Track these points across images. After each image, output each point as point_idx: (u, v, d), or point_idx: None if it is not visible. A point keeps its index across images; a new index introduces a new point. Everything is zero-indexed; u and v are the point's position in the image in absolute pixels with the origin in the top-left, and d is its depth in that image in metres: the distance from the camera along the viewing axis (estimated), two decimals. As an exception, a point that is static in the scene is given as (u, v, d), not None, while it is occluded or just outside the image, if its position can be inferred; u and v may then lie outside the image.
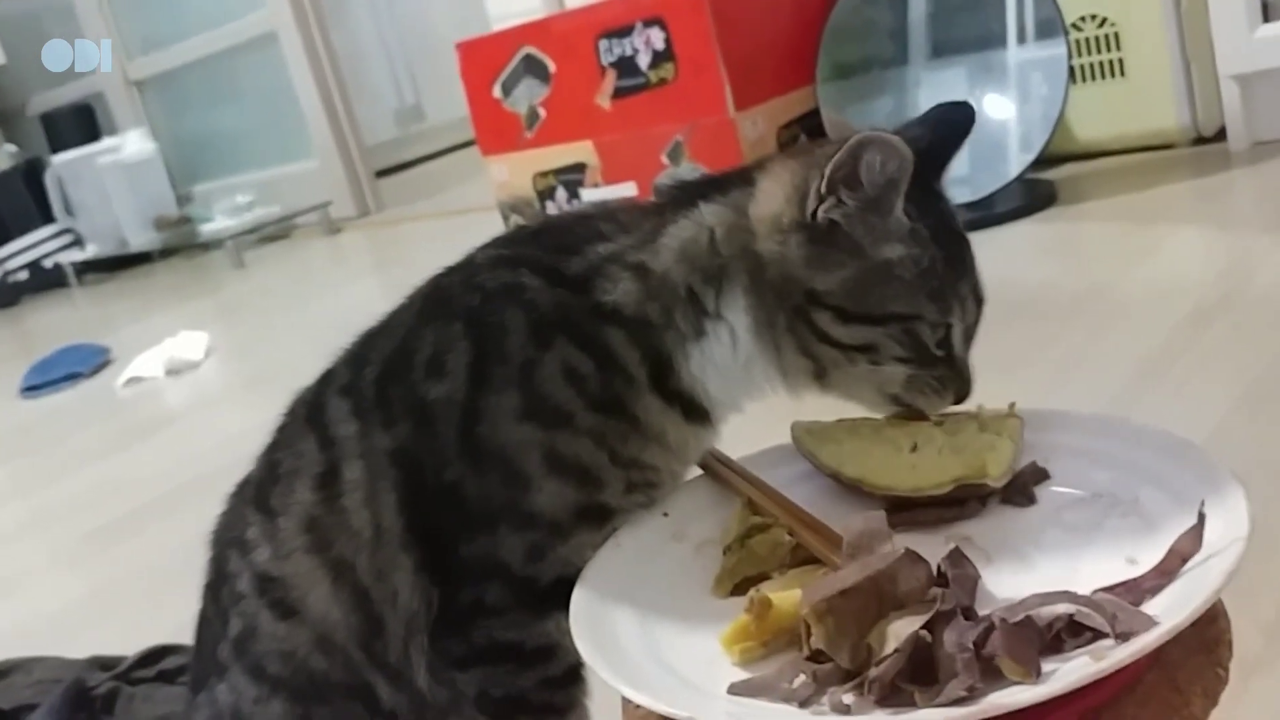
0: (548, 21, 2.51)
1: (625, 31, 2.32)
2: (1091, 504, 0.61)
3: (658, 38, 2.28)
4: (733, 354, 0.67)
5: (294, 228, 4.18)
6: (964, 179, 2.02)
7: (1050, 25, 2.04)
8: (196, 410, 2.40)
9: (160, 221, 4.33)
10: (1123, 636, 0.48)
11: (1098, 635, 0.49)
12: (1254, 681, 0.77)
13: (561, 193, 2.52)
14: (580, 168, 2.47)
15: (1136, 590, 0.52)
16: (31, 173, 4.56)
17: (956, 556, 0.55)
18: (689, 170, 2.27)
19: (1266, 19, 1.95)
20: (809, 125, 2.30)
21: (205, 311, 3.41)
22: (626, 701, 0.55)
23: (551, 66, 2.47)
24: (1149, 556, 0.54)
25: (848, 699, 0.49)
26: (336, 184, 4.13)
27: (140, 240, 4.37)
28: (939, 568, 0.54)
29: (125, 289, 4.23)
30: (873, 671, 0.49)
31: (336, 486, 0.69)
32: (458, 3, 4.06)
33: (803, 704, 0.50)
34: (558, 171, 2.51)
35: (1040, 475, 0.64)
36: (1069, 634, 0.50)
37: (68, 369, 2.82)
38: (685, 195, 0.69)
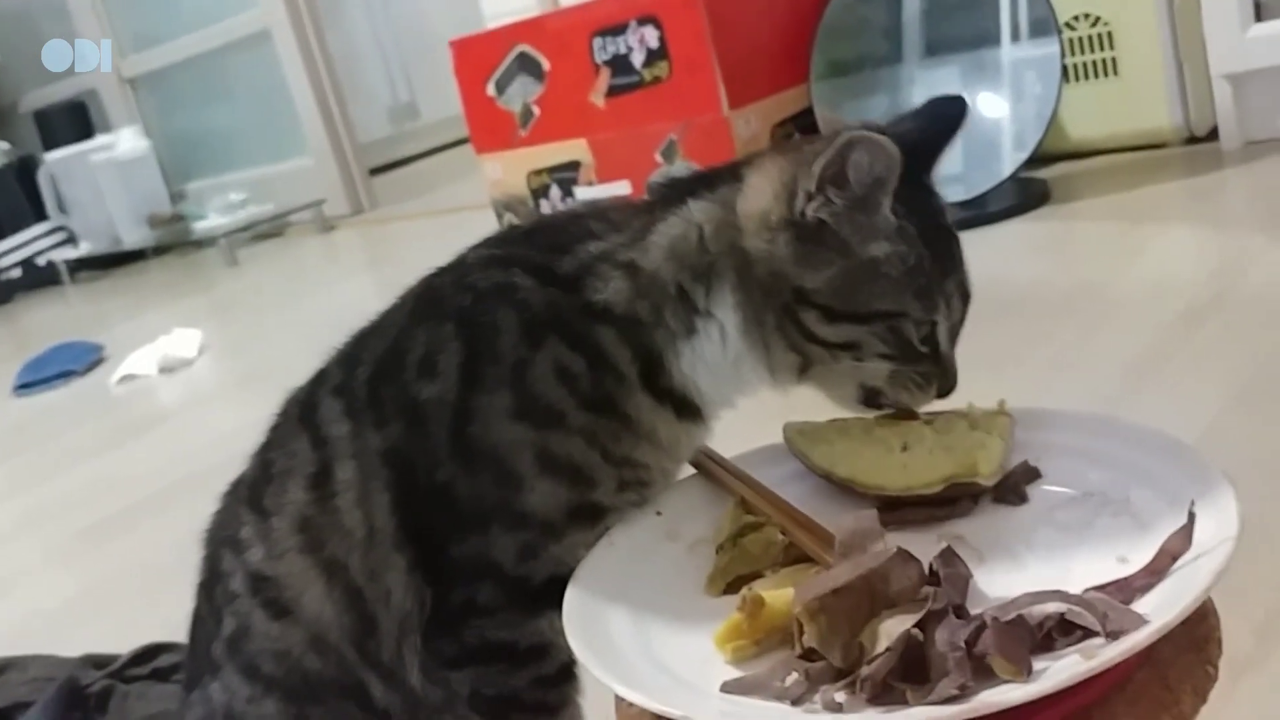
0: (542, 19, 2.51)
1: (619, 30, 2.32)
2: (1083, 503, 0.61)
3: (652, 36, 2.28)
4: (723, 351, 0.67)
5: (287, 225, 4.17)
6: (958, 177, 2.03)
7: (1044, 24, 2.05)
8: (190, 408, 2.40)
9: (154, 219, 4.33)
10: (1113, 635, 0.48)
11: (1089, 634, 0.49)
12: (1244, 680, 0.77)
13: (556, 191, 2.52)
14: (574, 166, 2.47)
15: (1127, 589, 0.52)
16: (24, 170, 4.55)
17: (948, 555, 0.55)
18: (682, 169, 2.27)
19: (1259, 19, 1.96)
20: (803, 124, 2.30)
21: (199, 309, 3.41)
22: (620, 700, 0.55)
23: (546, 64, 2.47)
24: (1140, 555, 0.54)
25: (840, 697, 0.49)
26: (330, 182, 4.13)
27: (134, 238, 4.36)
28: (931, 566, 0.54)
29: (119, 287, 4.22)
30: (865, 670, 0.49)
31: (329, 486, 0.69)
32: (452, 0, 4.06)
33: (795, 702, 0.50)
34: (552, 170, 2.51)
35: (1032, 474, 0.64)
36: (1060, 632, 0.50)
37: (61, 367, 2.82)
38: (675, 193, 0.69)
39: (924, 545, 0.56)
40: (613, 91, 2.36)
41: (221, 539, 0.74)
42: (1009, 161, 2.04)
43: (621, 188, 2.39)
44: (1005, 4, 2.10)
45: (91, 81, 4.78)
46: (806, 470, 0.68)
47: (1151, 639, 0.47)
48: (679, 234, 0.67)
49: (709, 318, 0.66)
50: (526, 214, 2.55)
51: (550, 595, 0.61)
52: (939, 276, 0.65)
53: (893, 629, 0.50)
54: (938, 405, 0.68)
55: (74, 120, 4.79)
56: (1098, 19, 2.08)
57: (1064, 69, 2.04)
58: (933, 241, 0.65)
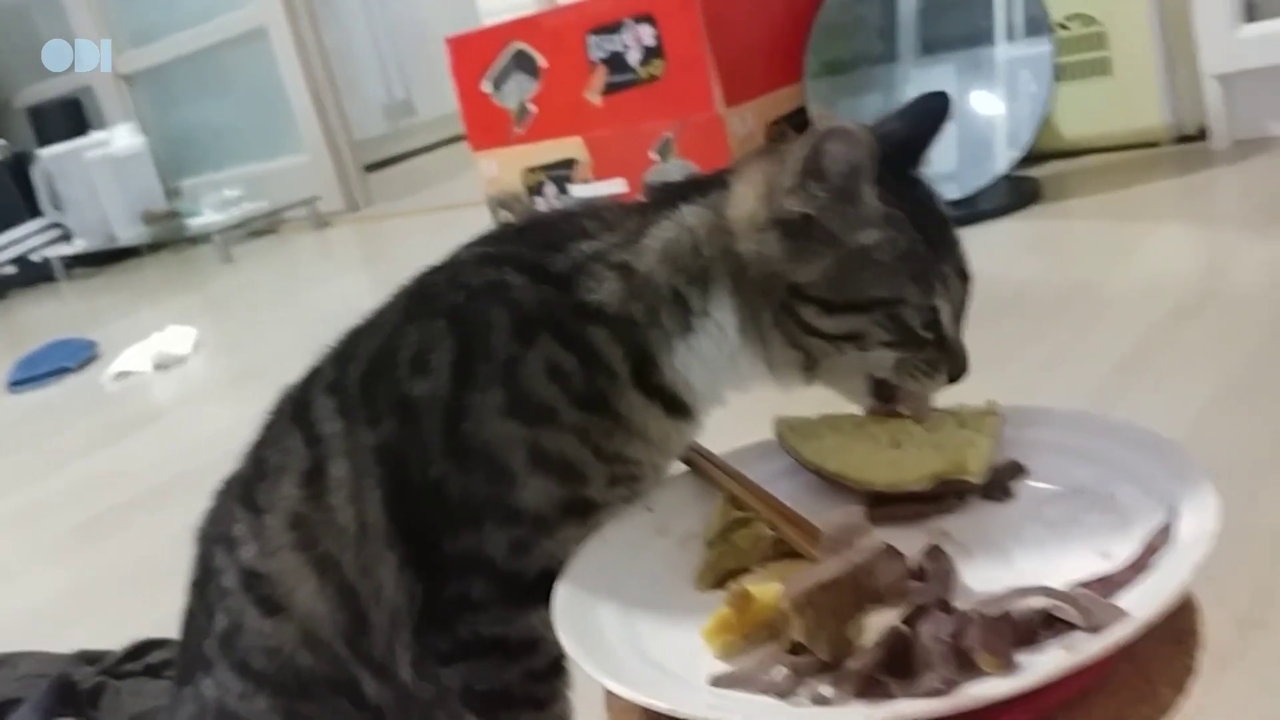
0: (538, 17, 2.52)
1: (615, 28, 2.32)
2: (1069, 499, 0.62)
3: (647, 34, 2.28)
4: (721, 350, 0.67)
5: (282, 222, 4.17)
6: (951, 175, 2.03)
7: (1038, 23, 2.05)
8: (184, 405, 2.40)
9: (148, 216, 4.32)
10: (1096, 629, 0.49)
11: (1072, 628, 0.50)
12: (1228, 673, 0.78)
13: (551, 188, 2.52)
14: (570, 164, 2.47)
15: (1110, 584, 0.52)
16: (18, 166, 4.55)
17: (934, 551, 0.55)
18: (678, 167, 2.28)
19: (1249, 19, 1.97)
20: (798, 122, 2.31)
21: (193, 306, 3.41)
22: (609, 694, 0.56)
23: (541, 62, 2.47)
24: (1124, 550, 0.55)
25: (826, 690, 0.50)
26: (325, 179, 4.13)
27: (128, 234, 4.36)
28: (917, 562, 0.55)
29: (113, 283, 4.22)
30: (851, 663, 0.50)
31: (322, 483, 0.69)
32: (448, -3, 4.06)
33: (782, 695, 0.51)
34: (547, 167, 2.52)
35: (1019, 471, 0.65)
36: (1044, 627, 0.51)
37: (55, 364, 2.82)
38: (667, 196, 0.70)
39: (911, 541, 0.56)
40: (608, 89, 2.37)
41: (214, 536, 0.74)
42: (1003, 160, 2.05)
43: (617, 185, 2.39)
44: (1000, 3, 2.11)
45: (86, 78, 4.78)
46: (796, 466, 0.69)
47: (1132, 633, 0.47)
48: (672, 238, 0.67)
49: (706, 318, 0.67)
50: (522, 211, 2.56)
51: (542, 590, 0.62)
52: (934, 260, 0.65)
53: (879, 623, 0.50)
54: (948, 393, 0.67)
55: (69, 116, 4.78)
56: (1091, 19, 2.09)
57: (1057, 68, 2.04)
58: (924, 225, 0.65)
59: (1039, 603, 0.51)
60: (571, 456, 0.66)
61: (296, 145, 4.23)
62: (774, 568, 0.61)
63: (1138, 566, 0.53)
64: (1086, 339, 1.47)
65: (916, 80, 2.23)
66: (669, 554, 0.65)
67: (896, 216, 0.64)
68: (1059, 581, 0.53)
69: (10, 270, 4.46)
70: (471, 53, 2.60)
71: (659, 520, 0.67)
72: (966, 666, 0.49)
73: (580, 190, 2.47)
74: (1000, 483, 0.64)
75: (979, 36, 2.15)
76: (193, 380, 2.55)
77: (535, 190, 2.56)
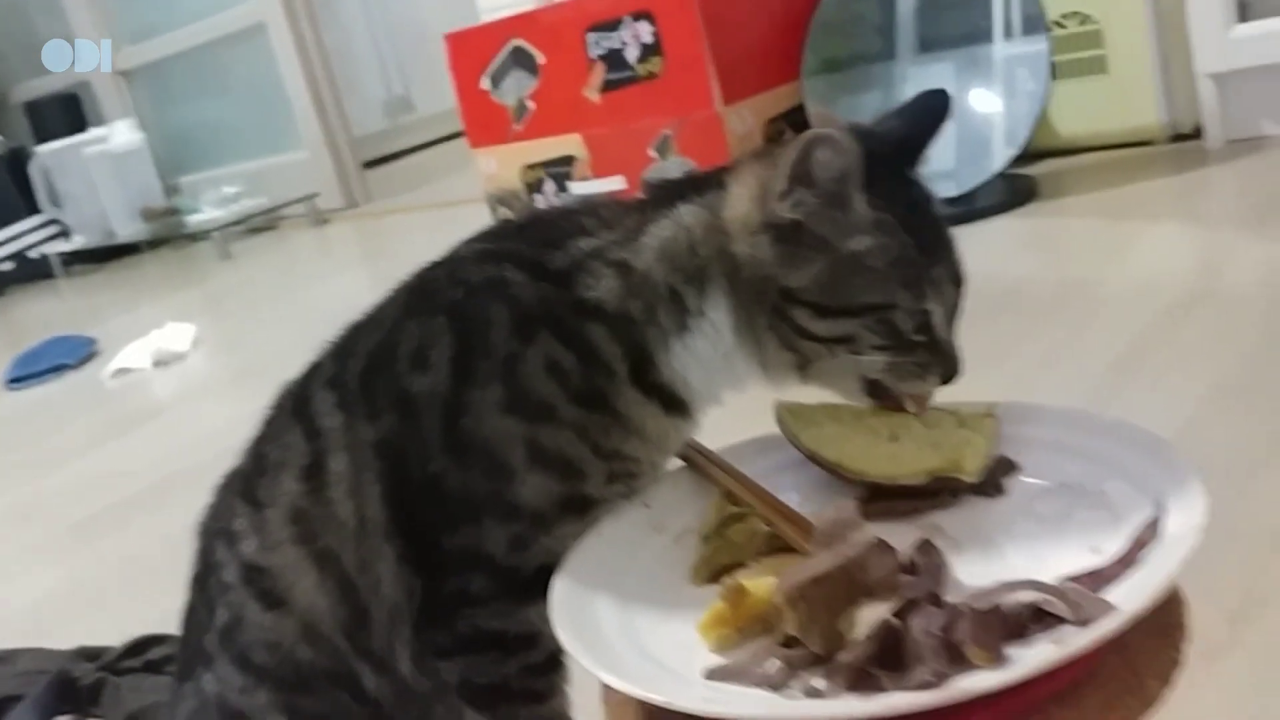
0: (536, 14, 2.52)
1: (614, 25, 2.32)
2: (1060, 495, 0.63)
3: (646, 31, 2.29)
4: (716, 349, 0.68)
5: (281, 219, 4.17)
6: (949, 173, 2.04)
7: (1035, 21, 2.06)
8: (183, 402, 2.40)
9: (147, 212, 4.32)
10: (1084, 623, 0.49)
11: (1061, 622, 0.51)
12: (1217, 667, 0.79)
13: (550, 186, 2.53)
14: (569, 160, 2.48)
15: (1099, 578, 0.53)
16: (16, 162, 4.54)
17: (926, 545, 0.56)
18: (677, 165, 2.28)
19: (1242, 19, 1.98)
20: (796, 120, 2.31)
21: (192, 303, 3.41)
22: (606, 687, 0.57)
23: (540, 59, 2.48)
24: (1113, 546, 0.55)
25: (819, 683, 0.51)
26: (324, 175, 4.13)
27: (127, 231, 4.35)
28: (909, 556, 0.56)
29: (112, 280, 4.22)
30: (843, 656, 0.50)
31: (322, 478, 0.70)
32: (446, -6, 4.06)
33: (776, 688, 0.52)
34: (546, 164, 2.52)
35: (1011, 467, 0.66)
36: (1033, 621, 0.51)
37: (54, 360, 2.82)
38: (665, 195, 0.70)
39: (904, 535, 0.57)
40: (607, 86, 2.37)
41: (215, 531, 0.75)
42: (1000, 157, 2.05)
43: (616, 183, 2.40)
44: (998, 1, 2.12)
45: (84, 74, 4.77)
46: (790, 462, 0.69)
47: (1120, 627, 0.48)
48: (670, 236, 0.68)
49: (702, 317, 0.67)
50: (521, 208, 2.56)
51: (541, 585, 0.62)
52: (926, 265, 0.65)
53: (870, 617, 0.51)
54: (944, 392, 0.68)
55: (66, 112, 4.78)
56: (1086, 17, 2.10)
57: (1053, 66, 2.05)
58: (917, 230, 0.65)
59: (1028, 597, 0.52)
60: (570, 453, 0.67)
61: (295, 142, 4.23)
62: (768, 562, 0.62)
63: (1126, 561, 0.53)
64: (1082, 336, 1.47)
65: (914, 78, 2.23)
66: (665, 549, 0.66)
67: (887, 222, 0.64)
68: (1049, 576, 0.53)
69: (8, 267, 4.46)
70: (470, 49, 2.61)
71: (655, 516, 0.68)
72: (957, 660, 0.49)
73: (580, 188, 2.48)
74: (993, 479, 0.65)
75: (977, 34, 2.15)
76: (192, 377, 2.55)
77: (535, 187, 2.56)
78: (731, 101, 2.24)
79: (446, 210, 3.40)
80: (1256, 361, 1.27)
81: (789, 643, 0.53)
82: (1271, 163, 1.93)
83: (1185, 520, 0.53)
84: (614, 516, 0.67)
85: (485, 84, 2.58)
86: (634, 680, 0.53)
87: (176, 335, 2.67)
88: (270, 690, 0.71)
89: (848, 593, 0.52)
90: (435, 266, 0.74)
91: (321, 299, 2.83)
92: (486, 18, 2.69)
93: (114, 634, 1.22)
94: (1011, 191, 2.06)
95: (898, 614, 0.51)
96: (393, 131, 4.90)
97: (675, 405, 0.69)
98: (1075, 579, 0.53)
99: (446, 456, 0.67)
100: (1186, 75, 2.05)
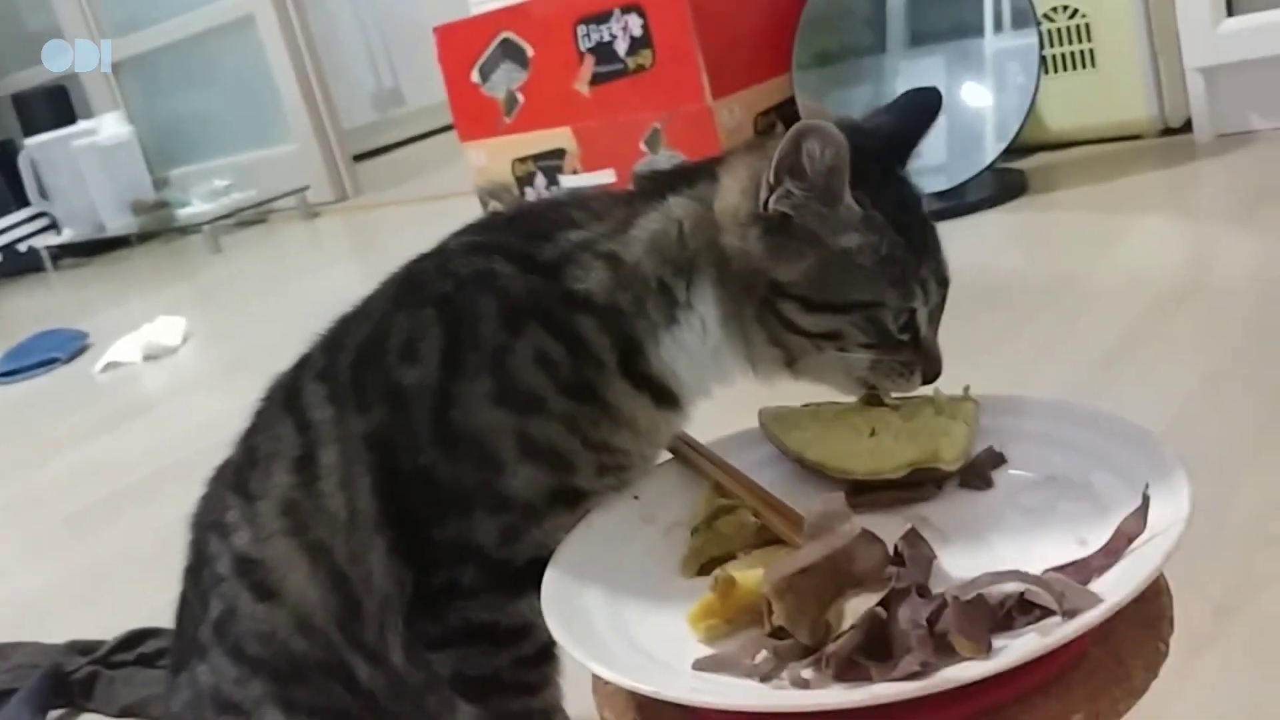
0: (526, 6, 2.51)
1: (603, 17, 2.32)
2: (1046, 487, 0.63)
3: (635, 24, 2.28)
4: (703, 342, 0.68)
5: (271, 212, 4.16)
6: (940, 167, 2.04)
7: (1025, 15, 2.06)
8: (174, 395, 2.40)
9: (137, 206, 4.30)
10: (1069, 614, 0.50)
11: (1047, 612, 0.51)
12: (1202, 658, 0.80)
13: (540, 179, 2.53)
14: (559, 154, 2.48)
15: (1085, 569, 0.54)
16: (4, 155, 4.52)
17: (913, 537, 0.57)
18: (666, 158, 2.28)
19: (1230, 13, 1.99)
20: (786, 113, 2.31)
21: (183, 296, 3.40)
22: (596, 678, 0.57)
23: (530, 51, 2.47)
24: (1099, 537, 0.56)
25: (806, 674, 0.51)
26: (314, 168, 4.12)
27: (117, 224, 4.34)
28: (896, 547, 0.56)
29: (102, 273, 4.21)
30: (831, 647, 0.51)
31: (313, 470, 0.70)
32: (436, -14, 4.04)
33: (764, 679, 0.52)
34: (536, 157, 2.52)
35: (998, 460, 0.66)
36: (1019, 611, 0.52)
37: (44, 354, 2.81)
38: (654, 186, 0.70)
39: (891, 527, 0.58)
40: (597, 79, 2.37)
41: (208, 523, 0.75)
42: (991, 151, 2.06)
43: (606, 176, 2.39)
44: (988, -6, 2.12)
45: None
46: (779, 455, 0.70)
47: (1104, 617, 0.48)
48: (659, 229, 0.68)
49: (690, 310, 0.68)
50: (511, 202, 2.56)
51: (531, 577, 0.63)
52: (914, 264, 0.66)
53: (858, 607, 0.51)
54: (923, 390, 0.69)
55: (54, 105, 4.75)
56: (1075, 11, 2.10)
57: (1043, 60, 2.05)
58: (905, 228, 0.66)
59: (1014, 587, 0.52)
60: (560, 445, 0.67)
61: (285, 135, 4.22)
62: (758, 554, 0.62)
63: (1111, 552, 0.54)
64: (1072, 330, 1.48)
65: (905, 72, 2.24)
66: (655, 541, 0.66)
67: (876, 219, 0.65)
68: (1035, 567, 0.54)
69: (-3, 260, 4.44)
70: (459, 42, 2.60)
71: (645, 508, 0.68)
72: (943, 650, 0.50)
73: (570, 181, 2.48)
74: (980, 471, 0.66)
75: (967, 28, 2.16)
76: (182, 371, 2.55)
77: (525, 181, 2.56)
78: (721, 95, 2.24)
79: (436, 203, 3.39)
80: (1245, 355, 1.28)
81: (777, 633, 0.54)
82: (1260, 157, 1.94)
83: (1170, 512, 0.54)
84: (604, 509, 0.68)
85: (475, 77, 2.58)
86: (624, 671, 0.53)
87: (167, 329, 2.66)
88: (264, 681, 0.72)
89: (835, 584, 0.53)
90: (424, 259, 0.74)
91: (312, 292, 2.82)
92: (476, 10, 2.69)
93: (107, 627, 1.22)
94: (1002, 185, 2.07)
95: (885, 604, 0.51)
96: (382, 124, 4.88)
97: (665, 398, 0.69)
98: (1061, 570, 0.53)
99: (437, 448, 0.67)
100: (1175, 69, 2.06)
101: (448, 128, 3.09)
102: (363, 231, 3.69)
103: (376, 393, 0.69)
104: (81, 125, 4.42)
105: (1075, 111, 2.17)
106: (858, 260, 0.65)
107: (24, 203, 4.48)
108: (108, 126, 4.33)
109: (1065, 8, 2.11)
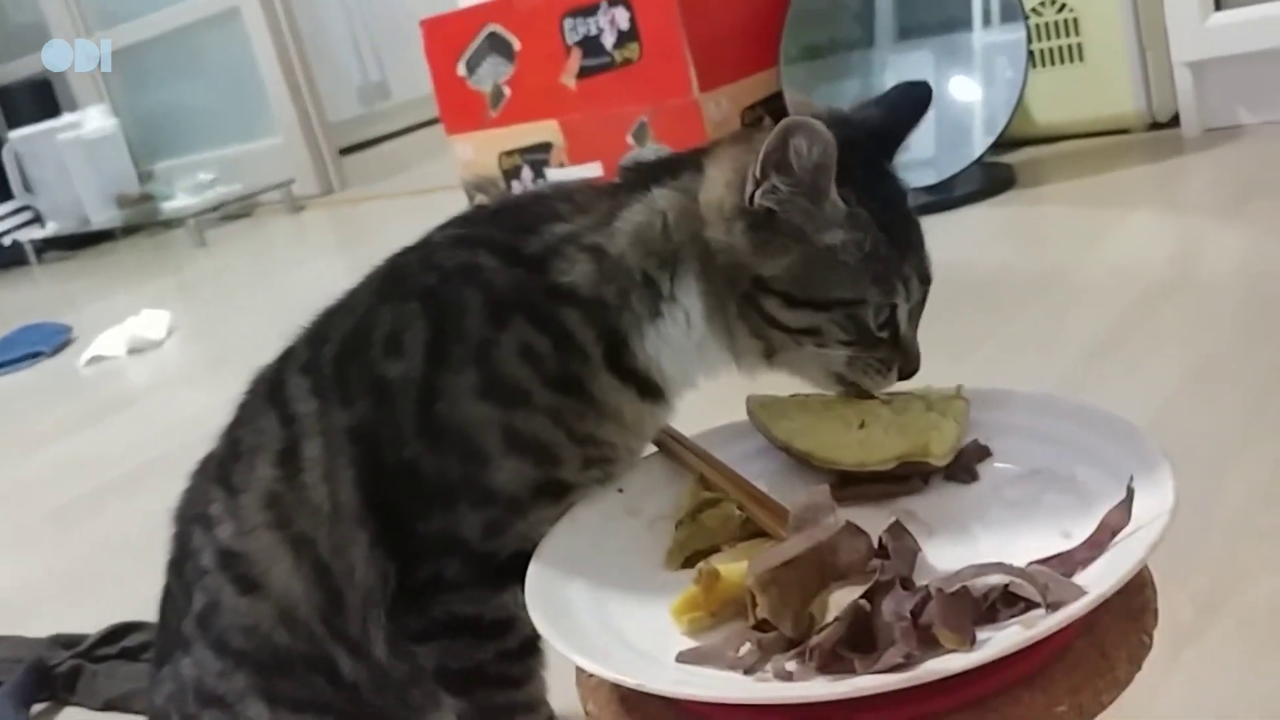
0: None
1: (590, 11, 2.32)
2: (1031, 480, 0.63)
3: (622, 17, 2.28)
4: (687, 335, 0.68)
5: (256, 206, 4.14)
6: (929, 161, 2.05)
7: (1014, 9, 2.07)
8: (158, 389, 2.39)
9: (122, 199, 4.28)
10: (1053, 606, 0.50)
11: (1030, 605, 0.51)
12: (1185, 651, 0.80)
13: (527, 172, 2.52)
14: (546, 147, 2.47)
15: (1069, 562, 0.54)
16: (-12, 148, 4.49)
17: (897, 529, 0.57)
18: (653, 151, 2.28)
19: (1218, 8, 1.99)
20: (774, 107, 2.31)
21: (167, 290, 3.38)
22: (580, 671, 0.57)
23: (516, 45, 2.47)
24: (1084, 530, 0.56)
25: (790, 666, 0.51)
26: (299, 162, 4.10)
27: (101, 218, 4.31)
28: (880, 540, 0.56)
29: (86, 267, 4.18)
30: (814, 640, 0.51)
31: (297, 463, 0.70)
32: (423, -21, 4.03)
33: (748, 671, 0.52)
34: (523, 151, 2.51)
35: (983, 452, 0.66)
36: (1003, 604, 0.52)
37: (28, 348, 2.79)
38: (640, 178, 0.70)
39: (876, 520, 0.57)
40: (584, 73, 2.37)
41: (191, 516, 0.75)
42: (979, 145, 2.06)
43: (593, 169, 2.39)
44: (976, -12, 2.12)
45: (56, 59, 4.71)
46: (765, 448, 0.70)
47: (1087, 609, 0.48)
48: (644, 221, 0.68)
49: (673, 303, 0.67)
50: (497, 195, 2.55)
51: (516, 570, 0.63)
52: (897, 261, 0.65)
53: (841, 600, 0.51)
54: (900, 386, 0.69)
55: (38, 97, 4.72)
56: (1063, 5, 2.11)
57: (1031, 54, 2.06)
58: (889, 225, 0.65)
59: (998, 580, 0.52)
60: (545, 438, 0.67)
61: (270, 128, 4.20)
62: (742, 547, 0.62)
63: (1095, 545, 0.54)
64: (1059, 323, 1.48)
65: (894, 66, 2.24)
66: (639, 534, 0.66)
67: (861, 216, 0.64)
68: (1019, 560, 0.54)
69: (-19, 253, 4.41)
70: (446, 35, 2.59)
71: (630, 501, 0.68)
72: (927, 642, 0.50)
73: (557, 175, 2.47)
74: (965, 464, 0.66)
75: (955, 22, 2.16)
76: (167, 364, 2.54)
77: (512, 174, 2.55)
78: (709, 88, 2.24)
79: (423, 197, 3.38)
80: (1232, 348, 1.29)
81: (761, 626, 0.53)
82: (1247, 151, 1.95)
83: (1155, 505, 0.54)
84: (589, 502, 0.68)
85: (461, 70, 2.57)
86: (608, 664, 0.53)
87: (152, 322, 2.65)
88: (248, 674, 0.71)
89: (819, 576, 0.53)
90: (408, 252, 0.74)
91: (297, 286, 2.81)
92: (463, 3, 2.68)
93: (90, 621, 1.22)
94: (989, 179, 2.07)
95: (869, 597, 0.51)
96: (369, 118, 4.86)
97: (650, 390, 0.69)
98: (1046, 562, 0.53)
99: (421, 442, 0.67)
100: (1163, 63, 2.06)
101: (434, 121, 3.08)
102: (348, 225, 3.68)
103: (360, 386, 0.69)
104: (66, 118, 4.39)
105: (1063, 106, 2.17)
106: (841, 257, 0.64)
107: (8, 196, 4.46)
108: (92, 120, 4.30)
109: (1053, 2, 2.11)
